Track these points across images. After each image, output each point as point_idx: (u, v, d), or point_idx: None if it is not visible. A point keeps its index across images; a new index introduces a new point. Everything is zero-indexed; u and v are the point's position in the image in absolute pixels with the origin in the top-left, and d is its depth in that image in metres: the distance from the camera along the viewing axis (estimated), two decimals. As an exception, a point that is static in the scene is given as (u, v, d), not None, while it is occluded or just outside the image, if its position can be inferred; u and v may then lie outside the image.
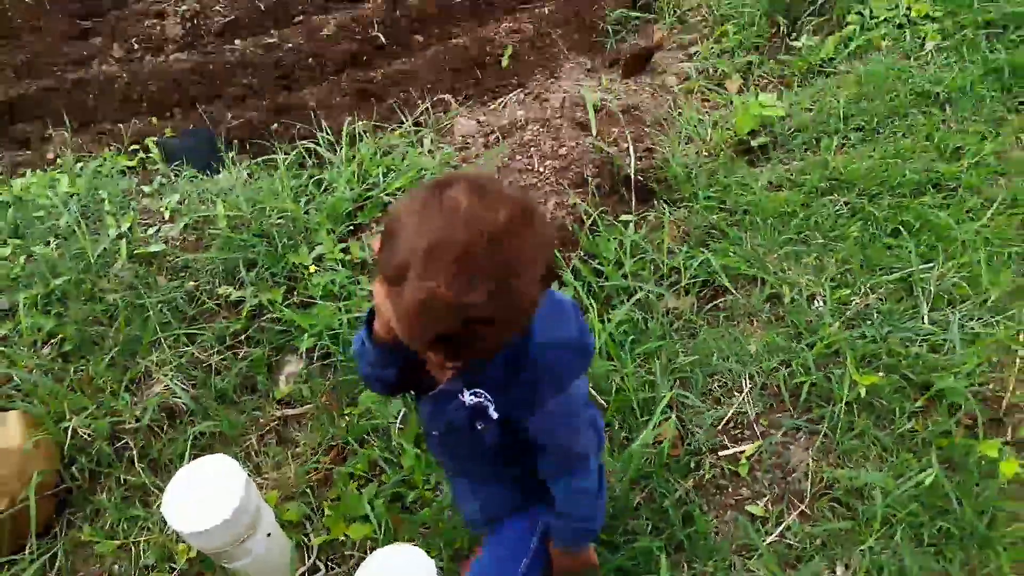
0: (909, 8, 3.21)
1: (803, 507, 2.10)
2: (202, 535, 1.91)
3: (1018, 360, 2.30)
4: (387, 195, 2.85)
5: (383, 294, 1.17)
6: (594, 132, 2.88)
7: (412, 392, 1.59)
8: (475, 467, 1.65)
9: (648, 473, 2.16)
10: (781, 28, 3.43)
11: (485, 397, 1.40)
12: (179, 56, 3.71)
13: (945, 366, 2.24)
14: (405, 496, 2.27)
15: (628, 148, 2.88)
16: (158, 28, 3.87)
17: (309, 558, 2.24)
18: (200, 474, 2.00)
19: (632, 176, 2.82)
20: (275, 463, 2.43)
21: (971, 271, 2.43)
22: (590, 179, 2.72)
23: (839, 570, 1.99)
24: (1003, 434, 2.18)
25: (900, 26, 3.19)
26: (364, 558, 2.21)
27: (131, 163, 3.09)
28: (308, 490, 2.36)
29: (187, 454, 2.37)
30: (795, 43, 3.33)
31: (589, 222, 2.64)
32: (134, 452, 2.39)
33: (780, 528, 2.07)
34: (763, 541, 2.02)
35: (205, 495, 1.95)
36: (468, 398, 1.40)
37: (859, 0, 3.32)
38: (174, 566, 2.21)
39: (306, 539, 2.27)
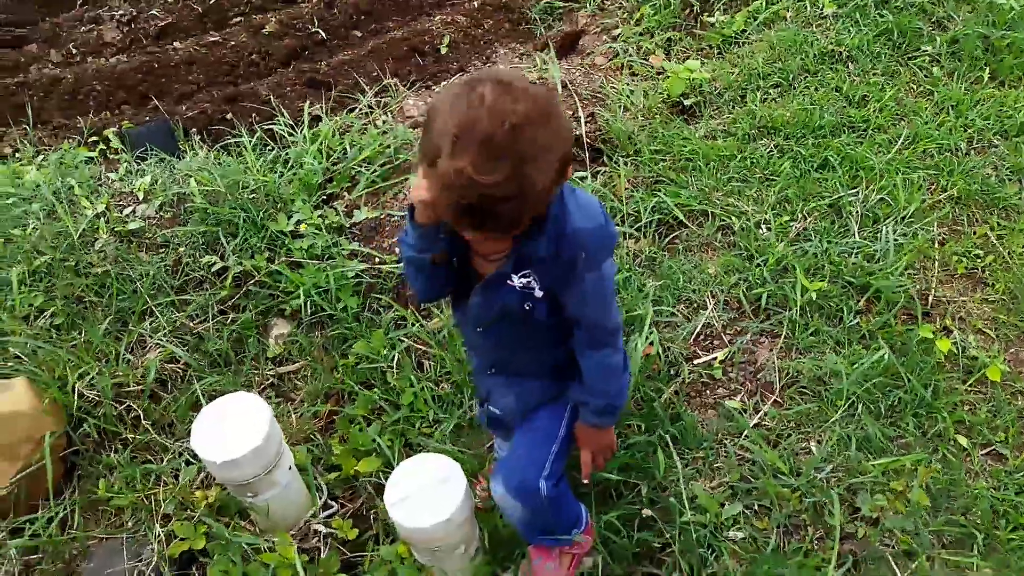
0: (807, -17, 3.63)
1: (775, 397, 2.37)
2: (234, 464, 2.02)
3: (936, 264, 2.65)
4: (356, 166, 3.01)
5: (423, 175, 1.38)
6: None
7: (450, 296, 1.78)
8: (517, 356, 1.81)
9: (635, 385, 2.38)
10: (695, 7, 3.78)
11: (533, 278, 1.59)
12: (120, 58, 3.77)
13: (878, 271, 2.56)
14: (408, 433, 2.42)
15: (576, 112, 3.14)
16: (95, 33, 3.91)
17: (322, 497, 2.35)
18: (225, 409, 2.11)
19: (583, 137, 3.07)
20: (277, 414, 2.53)
21: (890, 193, 2.78)
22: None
23: (813, 445, 2.26)
24: (932, 323, 2.51)
25: (800, -1, 3.59)
26: (373, 492, 2.36)
27: (92, 153, 3.14)
28: (312, 436, 2.47)
29: (189, 411, 2.47)
30: (709, 19, 3.68)
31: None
32: (139, 412, 2.46)
33: (758, 416, 2.33)
34: (748, 425, 2.28)
35: (233, 427, 2.07)
36: (518, 281, 1.59)
37: (762, -22, 3.71)
38: (193, 513, 2.29)
39: (315, 480, 2.38)
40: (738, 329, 2.53)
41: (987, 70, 3.33)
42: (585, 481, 1.97)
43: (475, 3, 4.05)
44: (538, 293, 1.60)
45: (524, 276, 1.59)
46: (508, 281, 1.60)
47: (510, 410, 1.92)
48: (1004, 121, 3.13)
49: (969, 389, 2.35)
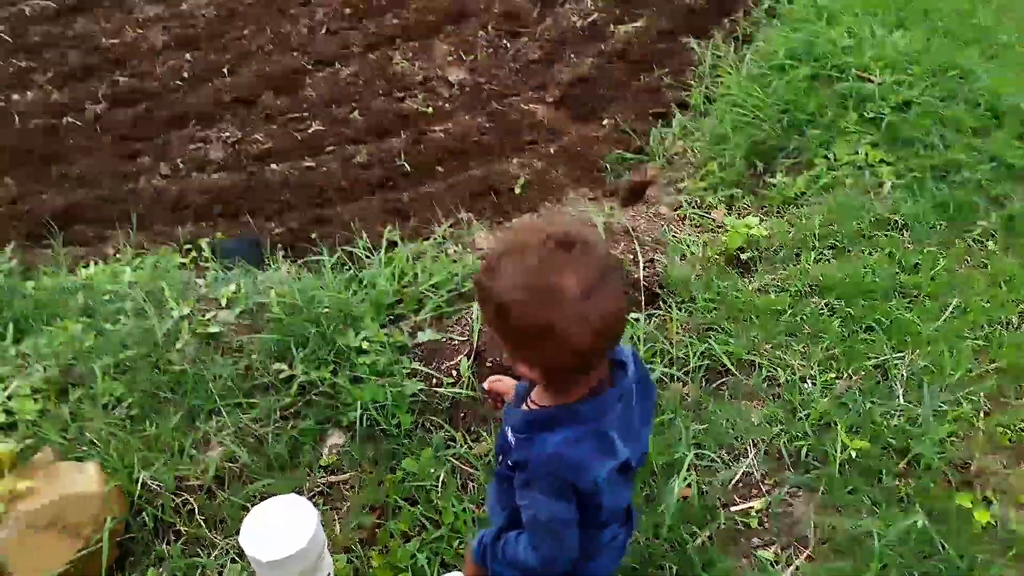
0: (867, 154, 3.79)
1: (808, 551, 2.38)
2: (279, 564, 2.12)
3: (980, 433, 2.67)
4: (424, 290, 3.21)
5: None
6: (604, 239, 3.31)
7: None
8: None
9: (670, 526, 2.43)
10: (758, 168, 3.97)
11: (514, 445, 1.71)
12: (222, 175, 4.13)
13: (920, 435, 2.60)
14: (444, 553, 2.50)
15: (636, 256, 3.31)
16: (202, 151, 4.31)
17: (355, 608, 2.42)
18: (275, 509, 2.23)
19: (641, 280, 3.23)
20: (322, 521, 2.64)
21: (935, 360, 2.84)
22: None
23: (843, 604, 2.26)
24: (972, 492, 2.51)
25: (860, 167, 3.75)
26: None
27: (185, 260, 3.42)
28: (352, 547, 2.57)
29: (240, 510, 2.60)
30: (771, 180, 3.86)
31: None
32: (195, 506, 2.60)
33: (790, 569, 2.34)
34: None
35: (281, 527, 2.18)
36: (511, 435, 1.72)
37: (824, 146, 3.90)
38: (234, 609, 2.38)
39: (350, 591, 2.45)
40: (777, 480, 2.57)
41: (1042, 248, 3.41)
42: None
43: (551, 149, 4.33)
44: (511, 459, 1.70)
45: (516, 437, 1.69)
46: (507, 429, 1.73)
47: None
48: (1058, 298, 3.18)
49: (1008, 563, 2.33)
